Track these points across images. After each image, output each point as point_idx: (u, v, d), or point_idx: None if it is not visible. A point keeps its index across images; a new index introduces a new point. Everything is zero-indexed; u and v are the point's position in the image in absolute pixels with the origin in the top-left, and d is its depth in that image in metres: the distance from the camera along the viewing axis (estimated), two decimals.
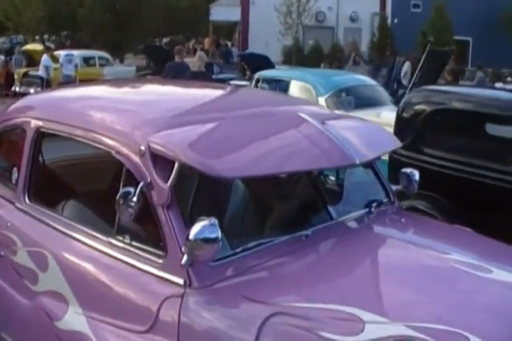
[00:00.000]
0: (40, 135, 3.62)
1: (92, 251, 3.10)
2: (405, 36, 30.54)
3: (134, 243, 2.92)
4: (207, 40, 38.00)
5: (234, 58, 31.57)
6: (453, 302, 2.62)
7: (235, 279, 2.72)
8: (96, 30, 29.79)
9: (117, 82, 6.17)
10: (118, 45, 29.75)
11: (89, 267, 3.10)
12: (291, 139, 3.14)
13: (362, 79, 12.65)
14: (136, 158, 2.88)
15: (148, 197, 2.79)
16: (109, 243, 3.02)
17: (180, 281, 2.66)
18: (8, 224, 3.67)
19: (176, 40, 29.80)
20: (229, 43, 39.72)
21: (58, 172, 4.28)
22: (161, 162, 2.80)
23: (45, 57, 18.78)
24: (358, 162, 3.15)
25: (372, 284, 2.79)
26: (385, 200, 3.65)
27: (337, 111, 7.48)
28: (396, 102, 11.27)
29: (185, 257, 2.59)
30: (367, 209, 3.49)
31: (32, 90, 18.03)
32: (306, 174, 3.59)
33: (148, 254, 2.84)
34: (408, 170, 3.77)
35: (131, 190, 2.76)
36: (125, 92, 4.19)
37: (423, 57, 12.88)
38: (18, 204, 3.67)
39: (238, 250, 2.82)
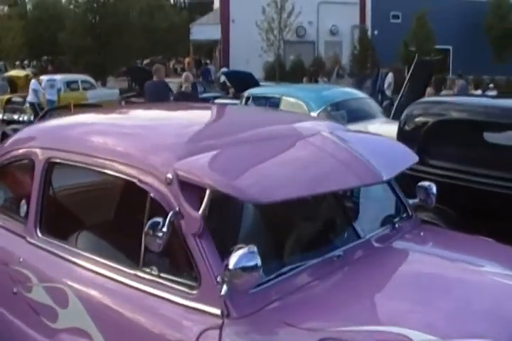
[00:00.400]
0: (51, 165, 3.52)
1: (116, 284, 2.99)
2: (386, 47, 30.71)
3: (162, 275, 2.81)
4: (187, 60, 38.07)
5: (212, 76, 31.51)
6: (498, 316, 2.56)
7: (273, 306, 2.63)
8: (77, 54, 29.69)
9: (115, 109, 6.08)
10: (100, 68, 29.66)
11: (114, 301, 2.98)
12: (316, 159, 3.07)
13: (351, 92, 12.66)
14: (162, 187, 2.78)
15: (178, 227, 2.69)
16: (135, 275, 2.90)
17: (218, 312, 2.56)
18: (20, 259, 3.54)
19: (156, 61, 29.69)
20: (208, 62, 39.79)
21: (70, 202, 4.15)
22: (189, 190, 2.70)
23: (33, 81, 18.54)
24: (384, 179, 3.11)
25: (414, 302, 2.70)
26: (404, 215, 3.60)
27: None
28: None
29: (224, 287, 2.48)
30: (390, 226, 3.45)
31: (16, 117, 17.87)
32: (332, 195, 3.52)
33: (179, 286, 2.74)
34: (426, 183, 3.74)
35: (160, 220, 2.66)
36: (131, 118, 4.09)
37: (411, 67, 12.93)
38: (29, 239, 3.56)
39: (273, 276, 2.73)
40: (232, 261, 2.43)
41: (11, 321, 3.58)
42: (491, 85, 25.43)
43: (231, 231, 3.15)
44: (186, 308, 2.68)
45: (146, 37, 33.86)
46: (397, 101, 13.13)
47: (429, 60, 14.94)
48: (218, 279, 2.54)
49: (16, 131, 11.98)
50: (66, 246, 3.39)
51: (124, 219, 3.74)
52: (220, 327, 2.55)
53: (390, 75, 24.44)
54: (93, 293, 3.10)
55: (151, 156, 2.95)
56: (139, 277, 2.90)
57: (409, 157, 3.58)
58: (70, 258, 3.29)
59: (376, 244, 3.27)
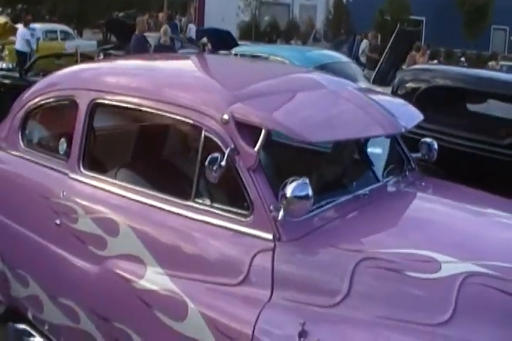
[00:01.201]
0: (95, 106, 3.74)
1: (168, 214, 3.27)
2: (361, 14, 31.02)
3: (215, 205, 3.15)
4: (161, 15, 37.67)
5: (190, 34, 31.41)
6: (504, 244, 3.08)
7: (318, 231, 3.03)
8: (55, 4, 29.34)
9: (140, 57, 6.31)
10: (77, 19, 29.38)
11: (167, 229, 3.28)
12: (349, 109, 3.51)
13: (336, 55, 12.92)
14: (217, 126, 3.11)
15: (233, 162, 3.02)
16: (188, 206, 3.20)
17: (270, 236, 2.92)
18: (64, 193, 3.72)
19: (131, 15, 29.44)
20: (183, 19, 39.40)
21: (114, 141, 4.40)
22: (244, 129, 3.06)
23: (24, 30, 18.11)
24: (403, 130, 3.58)
25: (437, 230, 3.16)
26: (409, 167, 4.05)
27: None
28: None
29: (281, 213, 2.86)
30: (401, 174, 3.92)
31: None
32: (355, 142, 3.92)
33: (232, 214, 3.07)
34: (428, 139, 4.19)
35: (217, 155, 2.98)
36: (167, 65, 4.40)
37: (393, 36, 13.25)
38: (72, 175, 3.75)
39: (315, 206, 3.07)
40: (289, 190, 2.81)
41: (54, 251, 3.74)
42: (463, 59, 25.99)
43: (280, 167, 3.51)
44: (240, 233, 2.99)
45: None
46: (377, 68, 13.48)
47: (410, 30, 15.30)
48: (271, 208, 2.93)
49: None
50: (113, 181, 3.61)
51: (174, 156, 4.11)
52: (273, 249, 2.87)
53: (365, 42, 24.81)
54: (145, 222, 3.35)
55: (206, 99, 3.28)
56: (192, 207, 3.17)
57: (417, 113, 4.01)
58: (117, 191, 3.51)
59: (395, 187, 3.75)
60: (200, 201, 3.18)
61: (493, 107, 7.75)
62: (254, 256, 2.93)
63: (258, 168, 3.00)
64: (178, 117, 3.36)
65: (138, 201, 3.41)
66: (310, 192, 2.84)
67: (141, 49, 12.65)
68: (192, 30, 30.03)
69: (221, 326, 2.88)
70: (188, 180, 3.35)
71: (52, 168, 3.94)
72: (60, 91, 4.05)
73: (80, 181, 3.71)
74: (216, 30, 22.25)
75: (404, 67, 14.46)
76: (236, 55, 12.32)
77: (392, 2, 30.90)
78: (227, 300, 2.94)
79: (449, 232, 3.16)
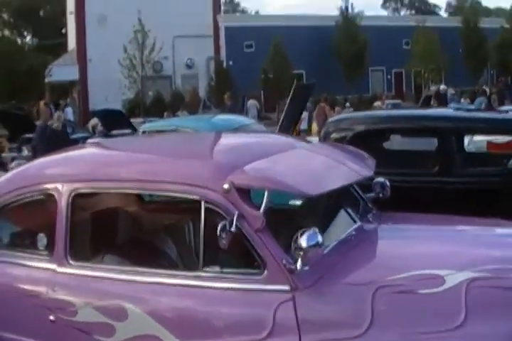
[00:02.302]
0: (76, 196, 3.74)
1: (177, 288, 3.36)
2: (243, 76, 31.95)
3: (224, 269, 3.29)
4: (41, 103, 37.40)
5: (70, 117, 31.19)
6: (491, 251, 3.51)
7: (329, 273, 3.23)
8: None
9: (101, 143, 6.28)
10: None
11: (179, 302, 3.36)
12: (326, 163, 3.92)
13: (239, 119, 13.33)
14: (219, 197, 3.27)
15: (240, 227, 3.18)
16: (197, 276, 3.32)
17: (287, 287, 3.10)
18: (55, 288, 3.66)
19: (13, 106, 29.16)
20: (61, 102, 39.28)
21: (97, 227, 4.35)
22: (245, 195, 3.28)
23: None
24: (372, 173, 4.06)
25: (427, 251, 3.51)
26: (368, 206, 4.36)
27: None
28: None
29: (299, 263, 3.07)
30: (369, 214, 4.21)
31: None
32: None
33: (244, 275, 3.24)
34: (381, 179, 4.48)
35: (225, 223, 3.15)
36: (147, 145, 4.56)
37: (292, 91, 13.75)
38: (61, 269, 3.70)
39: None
40: (303, 240, 3.05)
41: None
42: (348, 104, 27.12)
43: (286, 223, 3.71)
44: (256, 291, 3.18)
45: (5, 81, 33.14)
46: (279, 123, 13.93)
47: (306, 85, 15.94)
48: (284, 261, 3.11)
49: None
50: (108, 266, 3.66)
51: (171, 232, 4.18)
52: (293, 299, 3.08)
53: (251, 102, 25.58)
54: (155, 300, 3.41)
55: (201, 172, 3.45)
56: (202, 277, 3.31)
57: (371, 158, 4.32)
58: (117, 276, 3.55)
59: (370, 225, 4.03)
60: (209, 269, 3.31)
61: (412, 142, 8.39)
62: (277, 308, 3.07)
63: (264, 228, 3.17)
64: (175, 194, 3.52)
65: (142, 282, 3.46)
66: (321, 239, 3.06)
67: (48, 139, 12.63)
68: (69, 112, 29.95)
69: None
70: (191, 252, 3.49)
71: (33, 266, 3.83)
72: (31, 187, 3.95)
73: (71, 274, 3.68)
74: (107, 111, 22.36)
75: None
76: (144, 132, 12.50)
77: (273, 60, 31.97)
78: None
79: (437, 250, 3.51)
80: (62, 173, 3.90)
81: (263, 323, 3.09)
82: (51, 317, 3.63)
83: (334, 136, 7.32)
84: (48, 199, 3.84)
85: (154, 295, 3.43)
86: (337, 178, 3.71)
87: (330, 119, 8.17)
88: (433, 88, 25.82)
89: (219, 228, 3.13)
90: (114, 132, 18.11)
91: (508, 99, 23.48)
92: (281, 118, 13.91)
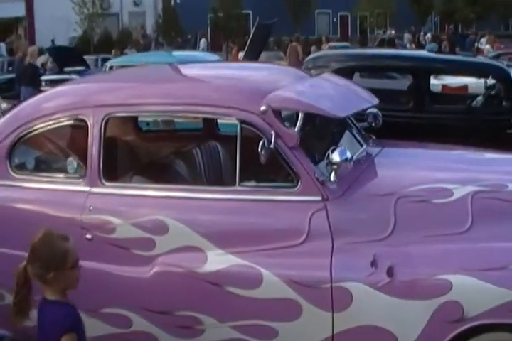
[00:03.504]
0: (109, 120, 3.85)
1: (215, 202, 3.67)
2: (190, 15, 31.81)
3: (260, 184, 3.68)
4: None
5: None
6: (486, 168, 4.15)
7: (353, 186, 3.68)
8: None
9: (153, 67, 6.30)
10: None
11: (218, 215, 3.66)
12: (341, 90, 4.39)
13: (200, 54, 13.59)
14: (256, 118, 3.59)
15: (276, 144, 3.52)
16: (235, 190, 3.64)
17: (319, 198, 3.51)
18: (91, 207, 3.75)
19: None
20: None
21: (129, 149, 4.64)
22: (280, 116, 3.65)
23: None
24: (378, 101, 4.43)
25: (433, 168, 4.02)
26: (364, 134, 4.76)
27: None
28: None
29: (332, 175, 3.49)
30: (369, 140, 4.66)
31: None
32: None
33: (279, 188, 3.64)
34: (374, 110, 4.83)
35: (265, 141, 3.49)
36: (184, 73, 4.69)
37: (253, 30, 14.00)
38: (95, 189, 3.79)
39: None
40: (336, 155, 3.48)
41: (90, 267, 3.51)
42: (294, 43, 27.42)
43: (313, 142, 4.12)
44: (292, 202, 3.53)
45: None
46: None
47: (267, 24, 16.15)
48: (316, 175, 3.53)
49: None
50: (145, 185, 3.88)
51: (209, 150, 4.53)
52: (325, 208, 3.46)
53: (203, 41, 25.66)
54: (194, 213, 3.64)
55: (238, 96, 3.78)
56: (239, 191, 3.60)
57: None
58: (153, 193, 3.75)
59: (374, 148, 4.47)
60: (246, 184, 3.66)
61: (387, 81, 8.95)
62: (311, 216, 3.50)
63: (299, 145, 3.58)
64: (212, 116, 3.92)
65: (182, 197, 3.73)
66: (350, 154, 3.53)
67: None
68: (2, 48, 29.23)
69: (299, 279, 3.37)
70: (226, 169, 3.87)
71: (64, 189, 3.91)
72: (61, 113, 3.98)
73: (107, 193, 3.80)
74: (61, 48, 22.12)
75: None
76: (111, 67, 12.69)
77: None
78: (298, 257, 3.45)
79: (441, 168, 4.05)
80: (94, 99, 3.96)
81: (300, 230, 3.49)
82: (88, 236, 3.71)
83: (313, 72, 7.76)
84: (79, 125, 3.93)
85: (194, 210, 3.67)
86: (355, 103, 4.18)
87: (308, 57, 8.53)
88: (389, 32, 26.37)
89: (259, 146, 3.48)
90: (67, 69, 18.06)
91: (459, 46, 24.21)
92: (243, 56, 14.22)
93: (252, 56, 13.93)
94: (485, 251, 3.39)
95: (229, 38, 29.79)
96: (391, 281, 3.27)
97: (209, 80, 4.18)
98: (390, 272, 3.28)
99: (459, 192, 3.65)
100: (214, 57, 13.34)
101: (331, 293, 3.32)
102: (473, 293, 3.21)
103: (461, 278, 3.22)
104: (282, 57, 22.28)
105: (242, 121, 3.66)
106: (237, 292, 3.47)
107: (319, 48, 21.88)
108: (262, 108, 3.59)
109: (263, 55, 16.33)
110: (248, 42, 14.19)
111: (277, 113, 3.64)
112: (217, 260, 3.54)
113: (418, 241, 3.44)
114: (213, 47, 32.37)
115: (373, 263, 3.32)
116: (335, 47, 22.31)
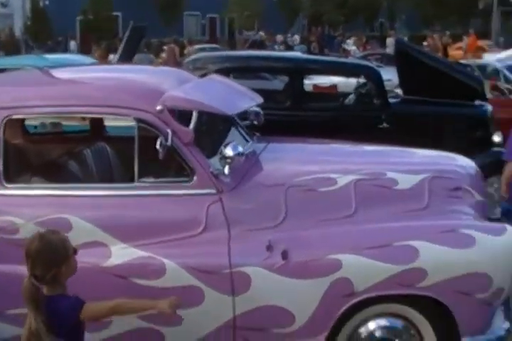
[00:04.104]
0: (9, 122, 3.93)
1: (114, 198, 3.82)
2: (60, 16, 31.32)
3: (159, 179, 3.86)
4: None
5: None
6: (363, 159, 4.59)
7: (245, 178, 3.95)
8: None
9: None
10: None
11: (119, 210, 3.80)
12: (228, 90, 4.64)
13: (77, 58, 13.51)
14: (152, 117, 3.77)
15: (173, 142, 3.71)
16: (134, 187, 3.82)
17: (214, 191, 3.76)
18: None
19: None
20: None
21: (29, 149, 4.70)
22: (175, 115, 3.86)
23: None
24: (262, 100, 4.75)
25: (317, 160, 4.43)
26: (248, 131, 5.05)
27: None
28: None
29: (226, 169, 3.74)
30: (254, 136, 4.94)
31: None
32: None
33: (176, 183, 3.84)
34: (256, 108, 5.11)
35: (162, 139, 3.68)
36: (72, 73, 4.75)
37: (127, 32, 14.04)
38: None
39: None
40: (229, 150, 3.74)
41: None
42: (165, 47, 27.54)
43: (206, 138, 4.31)
44: (188, 195, 3.75)
45: None
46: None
47: (141, 26, 16.22)
48: (210, 169, 3.75)
49: None
50: (45, 185, 3.94)
51: (100, 150, 4.67)
52: (220, 199, 3.72)
53: (73, 43, 25.37)
54: (95, 210, 3.76)
55: (135, 96, 3.94)
56: (138, 187, 3.79)
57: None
58: (55, 192, 3.83)
59: (260, 144, 4.75)
60: (145, 180, 3.85)
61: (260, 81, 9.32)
62: (208, 208, 3.74)
63: (193, 142, 3.80)
64: (109, 116, 4.10)
65: (82, 195, 3.86)
66: (242, 149, 3.81)
67: None
68: None
69: (200, 266, 3.59)
70: (126, 167, 4.00)
71: None
72: None
73: (8, 195, 3.85)
74: None
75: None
76: None
77: (95, 1, 31.58)
78: (197, 246, 3.68)
79: (325, 159, 4.46)
80: None
81: (198, 221, 3.73)
82: None
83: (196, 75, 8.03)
84: None
85: (96, 207, 3.79)
86: (243, 101, 4.46)
87: (187, 59, 8.76)
88: (261, 33, 26.94)
89: (157, 143, 3.68)
90: None
91: (327, 48, 25.09)
92: (117, 58, 14.25)
93: (126, 58, 14.03)
94: (369, 232, 3.76)
95: (98, 41, 29.49)
96: (286, 263, 3.57)
97: (102, 82, 4.28)
98: (284, 255, 3.57)
99: (342, 180, 4.02)
100: (89, 59, 13.23)
101: (231, 277, 3.57)
102: (361, 269, 3.57)
103: (350, 256, 3.57)
104: (153, 60, 22.34)
105: (139, 120, 3.83)
106: (143, 282, 3.63)
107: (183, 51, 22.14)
108: (158, 107, 3.79)
109: (135, 57, 16.41)
110: (122, 45, 14.26)
111: (172, 112, 3.86)
112: (121, 253, 3.69)
113: (309, 226, 3.77)
114: (83, 49, 31.93)
115: (268, 248, 3.60)
116: (204, 49, 22.60)
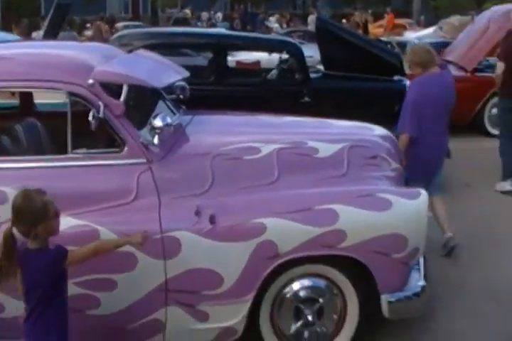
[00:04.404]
0: None
1: (50, 170, 3.89)
2: None
3: (92, 150, 3.97)
4: None
5: None
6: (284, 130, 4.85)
7: (174, 148, 4.12)
8: None
9: None
10: None
11: (55, 181, 3.82)
12: (156, 64, 4.83)
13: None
14: (84, 91, 3.88)
15: (104, 114, 3.82)
16: (67, 158, 3.90)
17: (144, 160, 3.90)
18: None
19: None
20: None
21: None
22: (106, 88, 3.96)
23: None
24: (188, 75, 4.94)
25: (242, 130, 4.69)
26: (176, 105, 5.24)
27: None
28: None
29: (156, 139, 3.90)
30: (180, 109, 5.15)
31: None
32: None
33: (107, 154, 3.96)
34: (182, 83, 5.30)
35: (93, 111, 3.79)
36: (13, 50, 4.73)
37: (52, 10, 13.89)
38: None
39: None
40: (158, 121, 3.90)
41: None
42: (88, 25, 27.21)
43: (136, 111, 4.40)
44: (120, 165, 3.91)
45: None
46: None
47: (65, 3, 16.02)
48: (140, 139, 3.89)
49: None
50: None
51: (41, 121, 4.72)
52: (150, 169, 3.87)
53: None
54: (32, 181, 3.70)
55: (66, 71, 4.02)
56: (72, 158, 3.87)
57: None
58: None
59: (186, 116, 4.95)
60: (78, 151, 3.95)
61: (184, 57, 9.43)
62: (138, 177, 3.88)
63: (124, 114, 3.93)
64: (43, 90, 4.11)
65: (17, 168, 3.92)
66: (170, 120, 3.97)
67: None
68: None
69: (132, 233, 3.61)
70: (57, 141, 4.10)
71: None
72: None
73: None
74: None
75: None
76: None
77: None
78: (130, 214, 3.81)
79: (248, 130, 4.69)
80: None
81: (129, 189, 3.86)
82: None
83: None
84: None
85: (32, 178, 3.80)
86: (170, 75, 4.61)
87: (113, 36, 8.80)
88: (187, 10, 26.87)
89: (90, 115, 3.79)
90: None
91: (250, 25, 25.24)
92: (42, 36, 14.10)
93: (51, 36, 13.89)
94: (291, 197, 3.98)
95: (20, 19, 28.84)
96: (213, 228, 3.75)
97: (33, 58, 4.33)
98: (212, 220, 3.76)
99: (266, 149, 4.24)
100: (14, 36, 13.05)
101: (162, 242, 3.73)
102: (285, 232, 3.79)
103: (273, 220, 3.79)
104: (76, 37, 22.07)
105: (72, 94, 3.93)
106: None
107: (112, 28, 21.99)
108: (90, 81, 3.90)
109: (60, 35, 16.23)
110: (47, 22, 14.09)
111: (104, 85, 3.97)
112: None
113: (234, 192, 3.97)
114: (6, 28, 31.13)
115: (197, 214, 3.78)
116: (128, 27, 22.43)
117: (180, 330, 3.91)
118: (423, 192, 4.19)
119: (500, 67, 8.17)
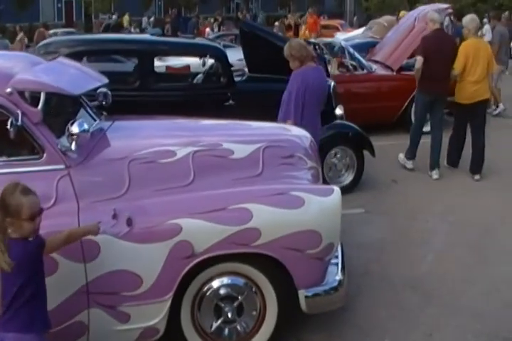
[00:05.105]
0: None
1: None
2: None
3: (11, 158, 4.01)
4: None
5: None
6: (201, 133, 4.95)
7: (91, 154, 4.18)
8: None
9: None
10: None
11: None
12: (75, 72, 4.87)
13: None
14: (1, 99, 3.91)
15: (23, 122, 3.87)
16: None
17: (62, 166, 3.98)
18: None
19: None
20: None
21: None
22: (24, 96, 4.03)
23: None
24: (107, 81, 4.97)
25: (159, 134, 4.77)
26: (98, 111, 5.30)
27: None
28: None
29: (73, 145, 3.95)
30: (101, 116, 5.20)
31: None
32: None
33: (26, 161, 4.00)
34: (104, 89, 5.38)
35: (12, 119, 3.82)
36: None
37: None
38: None
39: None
40: (75, 127, 3.96)
41: None
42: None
43: (54, 118, 4.46)
44: (39, 172, 3.96)
45: None
46: None
47: None
48: (59, 146, 3.95)
49: None
50: None
51: None
52: (68, 174, 4.00)
53: None
54: None
55: None
56: None
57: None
58: None
59: (106, 122, 5.02)
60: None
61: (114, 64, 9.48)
62: (57, 183, 3.96)
63: (42, 122, 3.99)
64: None
65: None
66: (87, 126, 4.04)
67: None
68: None
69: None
70: None
71: None
72: None
73: None
74: None
75: None
76: None
77: None
78: (50, 219, 3.74)
79: (164, 135, 4.78)
80: None
81: (49, 195, 3.90)
82: None
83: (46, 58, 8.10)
84: None
85: None
86: (88, 82, 4.66)
87: (39, 44, 8.76)
88: (115, 17, 26.75)
89: (8, 123, 3.84)
90: None
91: (182, 29, 25.25)
92: None
93: None
94: (206, 198, 4.10)
95: None
96: (131, 230, 3.84)
97: None
98: (129, 222, 3.85)
99: (181, 152, 4.35)
100: None
101: (82, 246, 3.80)
102: (200, 232, 3.92)
103: (189, 221, 3.91)
104: (8, 45, 21.82)
105: None
106: None
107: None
108: (8, 90, 3.96)
109: None
110: None
111: (22, 94, 4.03)
112: None
113: (151, 195, 4.07)
114: None
115: (114, 217, 3.85)
116: (56, 34, 22.30)
117: (104, 332, 3.99)
118: (336, 189, 4.35)
119: (419, 60, 8.47)
